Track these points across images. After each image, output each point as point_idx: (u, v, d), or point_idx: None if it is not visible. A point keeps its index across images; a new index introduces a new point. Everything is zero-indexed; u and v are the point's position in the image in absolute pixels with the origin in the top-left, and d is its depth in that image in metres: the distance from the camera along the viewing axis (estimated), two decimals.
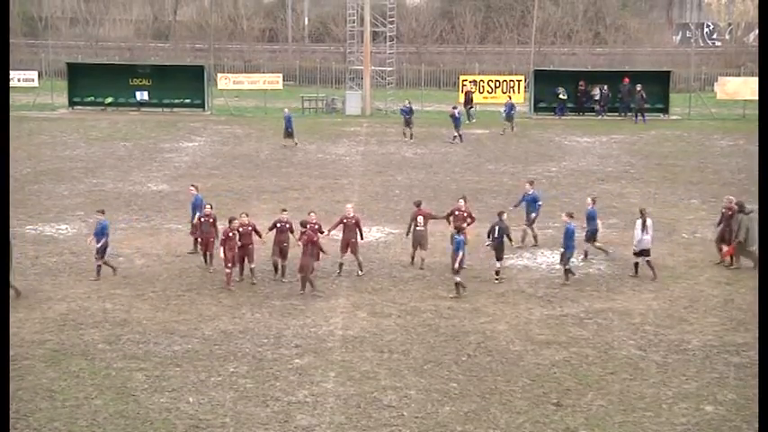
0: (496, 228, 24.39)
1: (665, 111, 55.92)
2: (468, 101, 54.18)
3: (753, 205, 24.88)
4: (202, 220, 24.87)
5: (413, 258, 25.67)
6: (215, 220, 24.80)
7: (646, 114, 53.18)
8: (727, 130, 51.12)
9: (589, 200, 26.61)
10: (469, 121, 52.49)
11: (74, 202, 32.99)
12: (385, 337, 20.25)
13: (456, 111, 46.94)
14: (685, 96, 58.29)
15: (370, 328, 20.83)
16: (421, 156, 42.64)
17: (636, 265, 24.76)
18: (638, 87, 52.93)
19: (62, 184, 35.85)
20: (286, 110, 45.84)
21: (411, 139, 46.17)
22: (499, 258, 24.52)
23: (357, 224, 24.81)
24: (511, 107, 49.54)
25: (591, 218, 25.99)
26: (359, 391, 17.53)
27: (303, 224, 23.51)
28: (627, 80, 54.27)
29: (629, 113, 53.85)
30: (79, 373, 18.28)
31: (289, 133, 44.05)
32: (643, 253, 24.66)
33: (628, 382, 18.08)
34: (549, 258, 26.17)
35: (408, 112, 46.92)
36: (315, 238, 23.05)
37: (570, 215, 24.68)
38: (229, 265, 23.15)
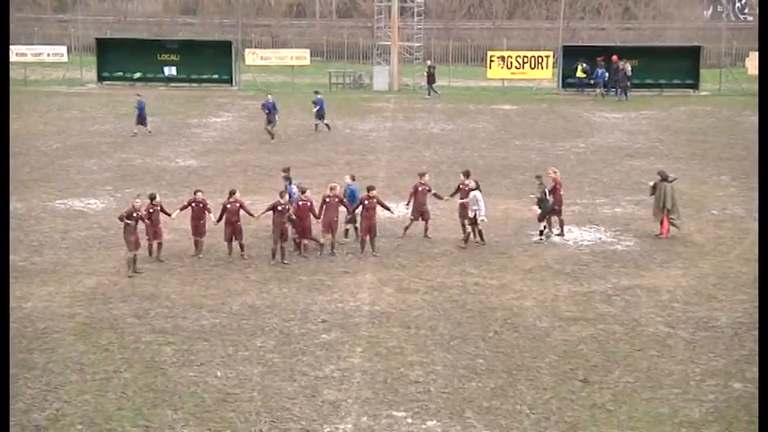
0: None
1: (696, 86, 55.38)
2: (431, 77, 53.70)
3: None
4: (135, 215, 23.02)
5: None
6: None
7: (629, 92, 52.48)
8: None
9: (347, 177, 25.70)
10: (429, 96, 52.80)
11: (103, 176, 33.18)
12: (412, 313, 20.28)
13: (318, 96, 41.80)
14: (716, 72, 57.73)
15: (397, 303, 20.87)
16: (448, 132, 42.52)
17: (480, 232, 24.90)
18: (622, 65, 52.35)
19: (91, 159, 36.05)
20: (138, 95, 42.11)
21: (273, 138, 39.58)
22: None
23: (341, 202, 24.37)
24: (603, 73, 52.18)
25: (351, 196, 24.82)
26: (386, 367, 17.58)
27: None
28: (616, 58, 53.28)
29: (620, 91, 53.04)
30: (108, 346, 18.44)
31: (141, 119, 40.52)
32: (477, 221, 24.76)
33: (655, 359, 18.02)
34: (577, 235, 26.09)
35: (271, 108, 40.02)
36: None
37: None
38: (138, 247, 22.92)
